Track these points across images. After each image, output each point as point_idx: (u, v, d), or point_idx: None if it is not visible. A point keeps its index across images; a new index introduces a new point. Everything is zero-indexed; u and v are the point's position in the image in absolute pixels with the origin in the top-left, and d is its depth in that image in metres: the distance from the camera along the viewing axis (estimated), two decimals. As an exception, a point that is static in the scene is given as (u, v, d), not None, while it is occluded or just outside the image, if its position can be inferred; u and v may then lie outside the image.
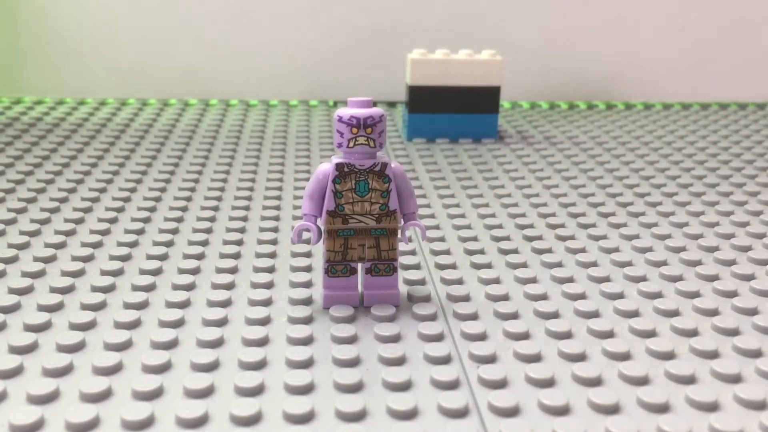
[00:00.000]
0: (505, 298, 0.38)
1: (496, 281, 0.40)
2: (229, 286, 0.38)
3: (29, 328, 0.34)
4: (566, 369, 0.32)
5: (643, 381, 0.31)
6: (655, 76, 0.83)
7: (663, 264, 0.42)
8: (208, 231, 0.45)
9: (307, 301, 0.37)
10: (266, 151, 0.62)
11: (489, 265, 0.41)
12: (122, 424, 0.28)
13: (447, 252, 0.43)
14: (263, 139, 0.66)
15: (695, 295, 0.38)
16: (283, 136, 0.67)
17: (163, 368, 0.31)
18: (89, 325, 0.34)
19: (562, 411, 0.29)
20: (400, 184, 0.35)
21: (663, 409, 0.29)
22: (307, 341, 0.33)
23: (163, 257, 0.42)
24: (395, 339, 0.34)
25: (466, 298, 0.38)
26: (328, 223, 0.35)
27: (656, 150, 0.64)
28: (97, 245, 0.43)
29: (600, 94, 0.83)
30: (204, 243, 0.44)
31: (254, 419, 0.28)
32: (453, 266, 0.41)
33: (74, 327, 0.34)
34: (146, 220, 0.47)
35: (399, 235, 0.36)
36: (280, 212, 0.49)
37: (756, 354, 0.33)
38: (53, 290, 0.37)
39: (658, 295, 0.38)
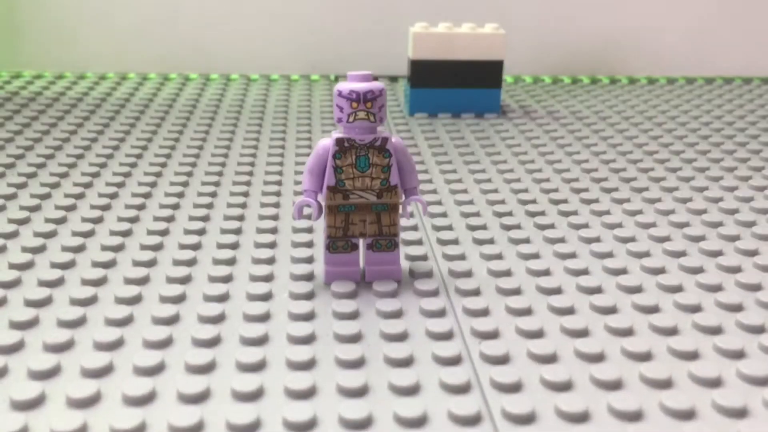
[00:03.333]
0: (507, 273, 0.38)
1: (499, 257, 0.39)
2: (230, 262, 0.38)
3: (30, 304, 0.34)
4: (568, 345, 0.32)
5: (645, 357, 0.31)
6: (660, 50, 0.82)
7: (666, 240, 0.42)
8: (209, 206, 0.45)
9: (309, 277, 0.37)
10: (267, 126, 0.62)
11: (491, 241, 0.41)
12: (123, 399, 0.28)
13: (449, 227, 0.43)
14: (264, 114, 0.66)
15: (699, 270, 0.38)
16: (284, 111, 0.67)
17: (164, 344, 0.31)
18: (90, 301, 0.34)
19: (565, 387, 0.29)
20: (400, 158, 0.35)
21: (666, 384, 0.29)
22: (309, 317, 0.33)
23: (164, 232, 0.42)
24: (397, 315, 0.34)
25: (468, 274, 0.37)
26: (328, 198, 0.35)
27: (660, 125, 0.64)
28: (97, 220, 0.43)
29: (603, 68, 0.82)
30: (205, 218, 0.44)
31: (255, 395, 0.28)
32: (455, 242, 0.41)
33: (75, 302, 0.34)
34: (147, 195, 0.47)
35: (400, 211, 0.36)
36: (281, 188, 0.48)
37: (759, 330, 0.33)
38: (54, 265, 0.37)
39: (661, 271, 0.38)
